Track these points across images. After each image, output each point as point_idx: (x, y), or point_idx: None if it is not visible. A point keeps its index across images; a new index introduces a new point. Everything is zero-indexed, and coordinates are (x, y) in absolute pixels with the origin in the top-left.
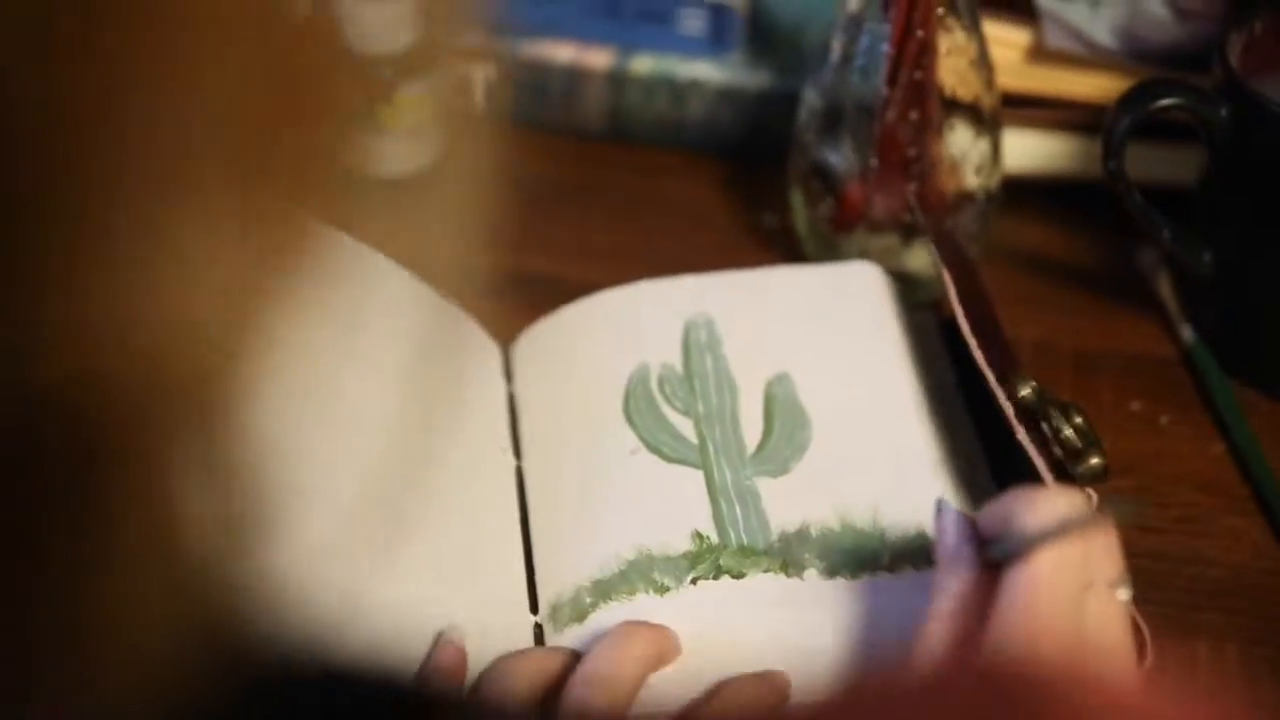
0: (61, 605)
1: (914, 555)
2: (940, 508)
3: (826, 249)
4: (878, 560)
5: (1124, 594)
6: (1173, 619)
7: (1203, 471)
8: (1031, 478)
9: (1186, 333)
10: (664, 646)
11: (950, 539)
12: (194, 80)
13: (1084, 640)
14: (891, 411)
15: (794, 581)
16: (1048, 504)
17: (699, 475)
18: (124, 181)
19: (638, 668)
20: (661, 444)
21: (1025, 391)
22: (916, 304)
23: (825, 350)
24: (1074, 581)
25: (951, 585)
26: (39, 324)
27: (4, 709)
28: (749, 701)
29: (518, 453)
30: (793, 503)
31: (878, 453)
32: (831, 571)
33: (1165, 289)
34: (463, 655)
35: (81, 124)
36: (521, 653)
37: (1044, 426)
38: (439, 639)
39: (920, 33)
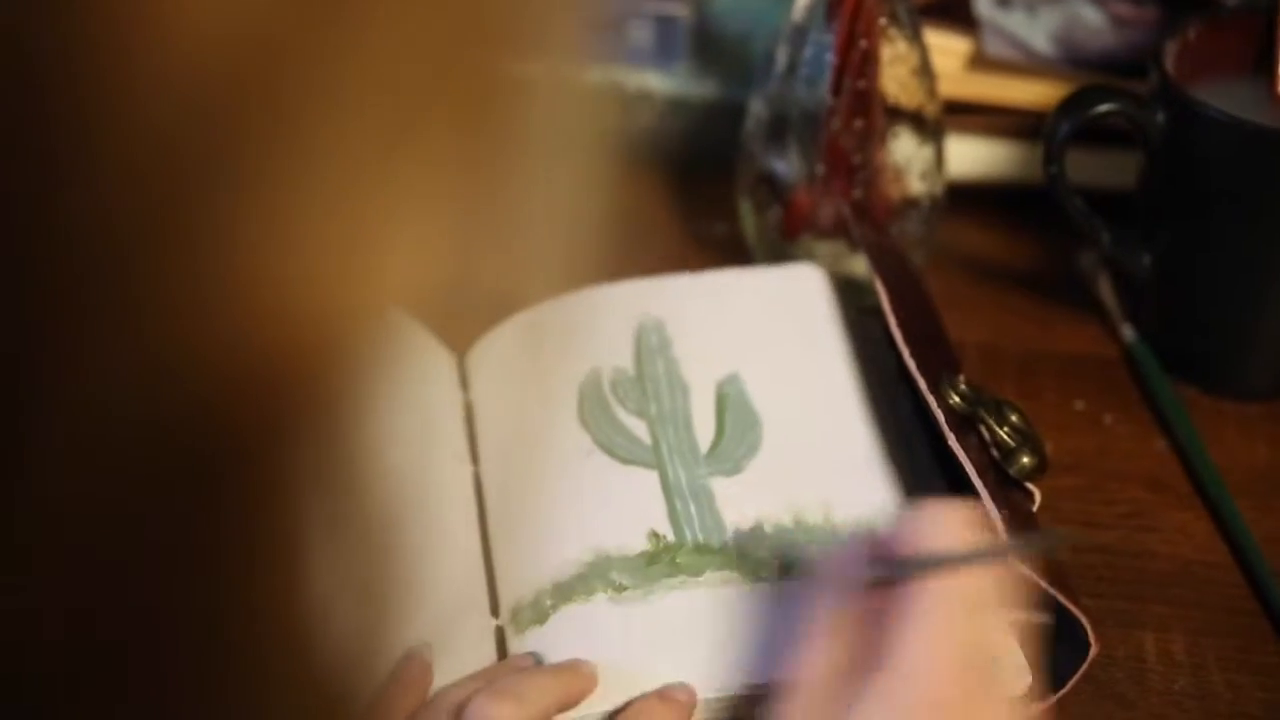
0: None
1: None
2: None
3: (775, 256)
4: None
5: (1026, 618)
6: (1120, 611)
7: (1146, 468)
8: (963, 479)
9: (1127, 333)
10: (578, 687)
11: (837, 562)
12: (384, 35)
13: (976, 668)
14: (838, 411)
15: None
16: (938, 525)
17: (654, 475)
18: (305, 146)
19: (546, 696)
20: (616, 445)
21: (955, 399)
22: (864, 308)
23: (772, 351)
24: (965, 606)
25: (836, 608)
26: (224, 281)
27: None
28: None
29: (475, 459)
30: (746, 501)
31: (827, 451)
32: (786, 568)
33: (1105, 291)
34: (427, 669)
35: (283, 87)
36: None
37: (981, 427)
38: (405, 654)
39: (863, 42)
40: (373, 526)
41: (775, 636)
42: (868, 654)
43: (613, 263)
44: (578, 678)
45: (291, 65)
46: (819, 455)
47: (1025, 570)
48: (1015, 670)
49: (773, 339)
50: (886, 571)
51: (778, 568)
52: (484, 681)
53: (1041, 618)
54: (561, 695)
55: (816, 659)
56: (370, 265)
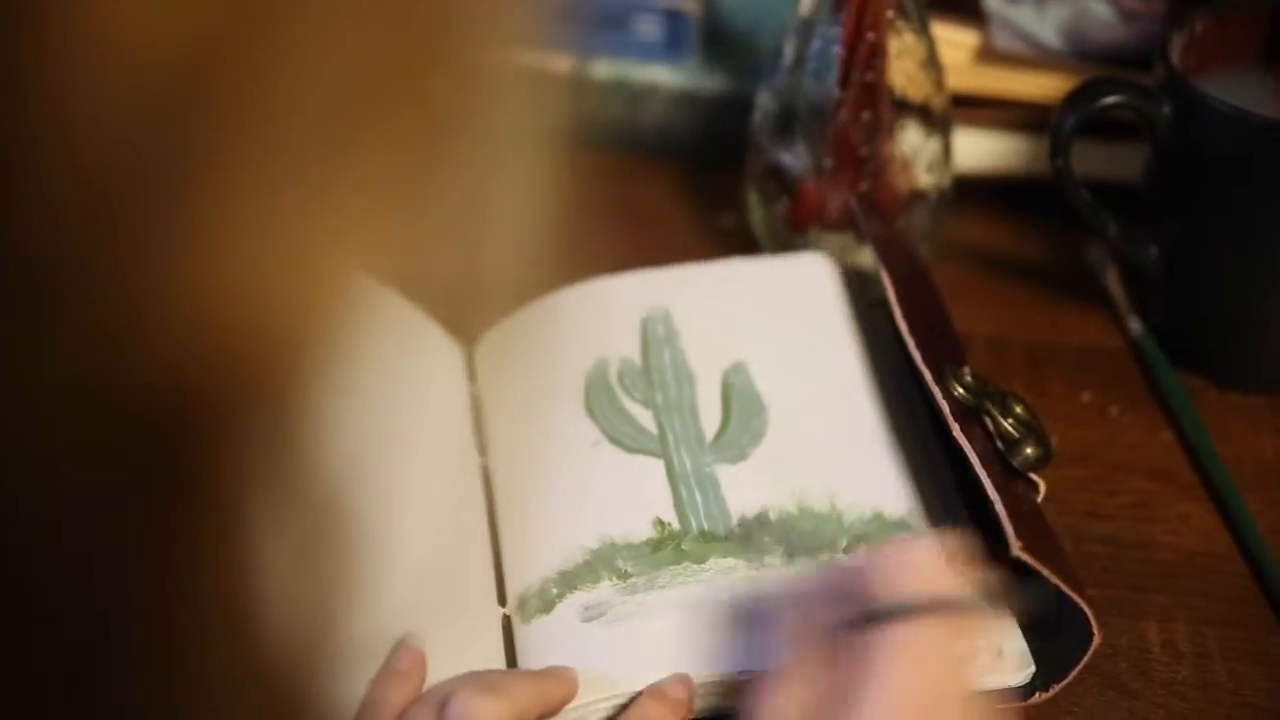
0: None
1: (870, 537)
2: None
3: (783, 248)
4: (835, 543)
5: (991, 654)
6: (1123, 601)
7: (1152, 459)
8: (969, 470)
9: (1134, 325)
10: (560, 692)
11: (805, 600)
12: (340, 37)
13: (941, 714)
14: (844, 400)
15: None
16: (911, 569)
17: (659, 464)
18: (277, 143)
19: (527, 695)
20: (622, 435)
21: (959, 390)
22: (872, 300)
23: (779, 340)
24: (934, 653)
25: (803, 647)
26: (165, 286)
27: None
28: None
29: (483, 451)
30: (751, 489)
31: (832, 440)
32: (790, 554)
33: (1113, 283)
34: (421, 660)
35: (240, 92)
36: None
37: (985, 418)
38: (399, 644)
39: (871, 35)
40: (326, 516)
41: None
42: (833, 696)
43: (622, 254)
44: (560, 683)
45: (231, 64)
46: (824, 444)
47: (1029, 561)
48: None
49: (779, 328)
50: (854, 614)
51: (783, 554)
52: (472, 677)
53: (1037, 613)
54: (543, 697)
55: (782, 701)
56: (316, 260)
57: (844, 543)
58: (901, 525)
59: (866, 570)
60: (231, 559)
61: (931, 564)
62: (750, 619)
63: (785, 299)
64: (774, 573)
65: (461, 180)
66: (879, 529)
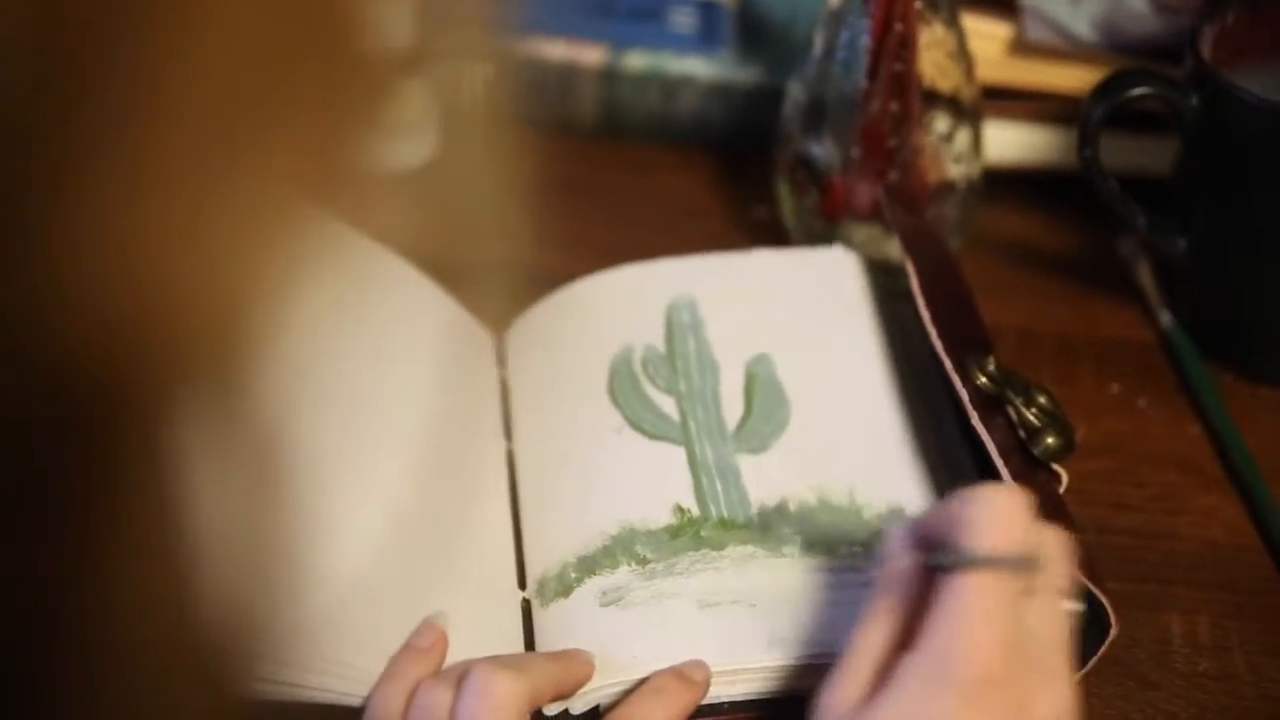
0: (64, 598)
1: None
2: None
3: (813, 239)
4: (854, 537)
5: (1070, 605)
6: (1146, 594)
7: (1179, 451)
8: (989, 461)
9: (1165, 318)
10: (576, 673)
11: (893, 542)
12: (213, 28)
13: (1025, 651)
14: (867, 393)
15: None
16: (996, 520)
17: (681, 451)
18: (127, 141)
19: (545, 675)
20: (644, 422)
21: (982, 379)
22: (897, 292)
23: (803, 332)
24: (1014, 593)
25: (889, 587)
26: (52, 279)
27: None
28: (665, 699)
29: (509, 435)
30: (772, 479)
31: (854, 433)
32: (809, 546)
33: (1145, 276)
34: (443, 638)
35: (87, 86)
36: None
37: (1008, 408)
38: (423, 621)
39: (900, 26)
40: (267, 491)
41: (798, 611)
42: (917, 633)
43: (654, 245)
44: (576, 664)
45: (115, 44)
46: (846, 436)
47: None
48: (1065, 657)
49: (804, 320)
50: (938, 559)
51: (801, 545)
52: (490, 658)
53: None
54: (560, 677)
55: (866, 635)
56: (226, 240)
57: (862, 535)
58: None
59: (953, 515)
60: (163, 530)
61: (1013, 517)
62: (770, 609)
63: (810, 292)
64: (791, 561)
65: (371, 156)
66: (898, 523)
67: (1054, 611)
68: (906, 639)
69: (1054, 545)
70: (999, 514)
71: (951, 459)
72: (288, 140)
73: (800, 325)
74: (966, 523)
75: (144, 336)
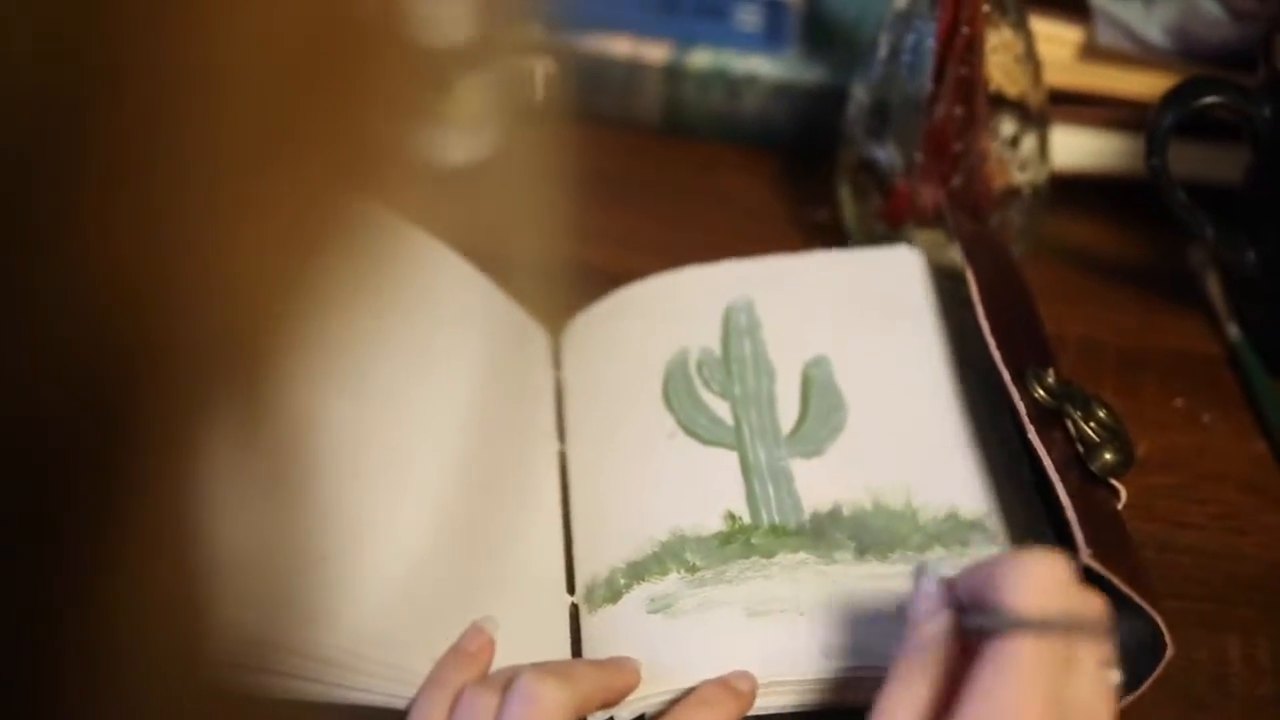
0: (75, 607)
1: (944, 536)
2: (919, 571)
3: (874, 244)
4: (908, 541)
5: (1113, 676)
6: (1206, 614)
7: (1243, 470)
8: (1044, 474)
9: (1233, 331)
10: (623, 682)
11: (930, 601)
12: (236, 41)
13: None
14: (926, 397)
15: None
16: (1038, 582)
17: (734, 457)
18: (164, 141)
19: (591, 683)
20: (698, 427)
21: (1040, 392)
22: (963, 298)
23: (863, 334)
24: (1056, 660)
25: (925, 649)
26: (88, 274)
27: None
28: (712, 709)
29: (562, 437)
30: (826, 483)
31: (912, 436)
32: (861, 552)
33: (1213, 287)
34: (490, 643)
35: (123, 85)
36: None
37: (1067, 422)
38: (472, 625)
39: (966, 29)
40: (290, 501)
41: (850, 619)
42: (950, 699)
43: (714, 245)
44: (623, 673)
45: (133, 51)
46: (903, 439)
47: (1099, 569)
48: None
49: (864, 322)
50: (977, 621)
51: (854, 550)
52: (535, 664)
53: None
54: (606, 686)
55: (900, 698)
56: (255, 245)
57: (917, 540)
58: (977, 526)
59: (992, 576)
60: (178, 538)
61: (1055, 581)
62: (820, 617)
63: (872, 293)
64: (843, 568)
65: (426, 152)
66: (954, 528)
67: (1097, 680)
68: (940, 703)
69: (1096, 612)
70: (1043, 577)
71: (1011, 468)
72: (327, 140)
73: (860, 326)
74: (1009, 584)
75: (175, 337)
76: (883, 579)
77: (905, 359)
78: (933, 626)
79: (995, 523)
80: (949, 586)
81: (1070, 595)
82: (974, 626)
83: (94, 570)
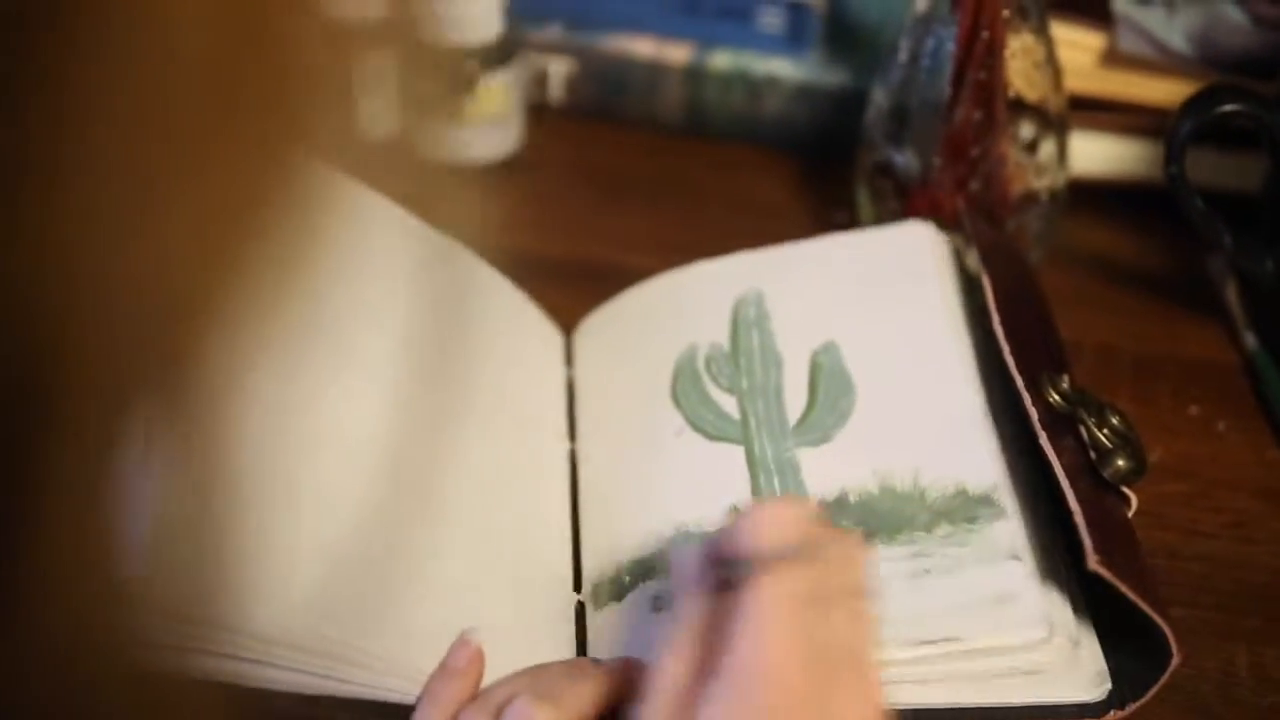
0: None
1: (952, 514)
2: (674, 544)
3: None
4: (915, 521)
5: (869, 608)
6: (1214, 622)
7: (1257, 478)
8: (1055, 480)
9: (1250, 340)
10: (621, 690)
11: (684, 567)
12: (167, 23)
13: (824, 659)
14: (938, 377)
15: None
16: (772, 521)
17: (740, 451)
18: (96, 123)
19: (584, 701)
20: (705, 423)
21: (1054, 397)
22: (981, 305)
23: (875, 314)
24: (802, 598)
25: (686, 613)
26: (10, 267)
27: None
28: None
29: (573, 436)
30: (833, 470)
31: (922, 412)
32: (868, 536)
33: (1231, 296)
34: (478, 656)
35: (53, 62)
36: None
37: (1080, 428)
38: (457, 640)
39: (986, 33)
40: (214, 483)
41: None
42: (716, 656)
43: (732, 247)
44: (623, 683)
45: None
46: (913, 418)
47: (1105, 575)
48: (870, 660)
49: (877, 301)
50: (724, 572)
51: (861, 535)
52: (530, 679)
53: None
54: (602, 699)
55: (668, 665)
56: (184, 234)
57: (924, 519)
58: (986, 501)
59: (735, 528)
60: (95, 516)
61: (788, 518)
62: None
63: (883, 271)
64: None
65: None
66: (962, 504)
67: (852, 614)
68: (709, 665)
69: (845, 547)
70: (776, 516)
71: (1021, 457)
72: (245, 139)
73: (872, 307)
74: (746, 529)
75: (99, 329)
76: (890, 561)
77: (917, 338)
78: (691, 592)
79: (1004, 497)
80: (707, 546)
81: (805, 530)
82: (725, 579)
83: (9, 554)
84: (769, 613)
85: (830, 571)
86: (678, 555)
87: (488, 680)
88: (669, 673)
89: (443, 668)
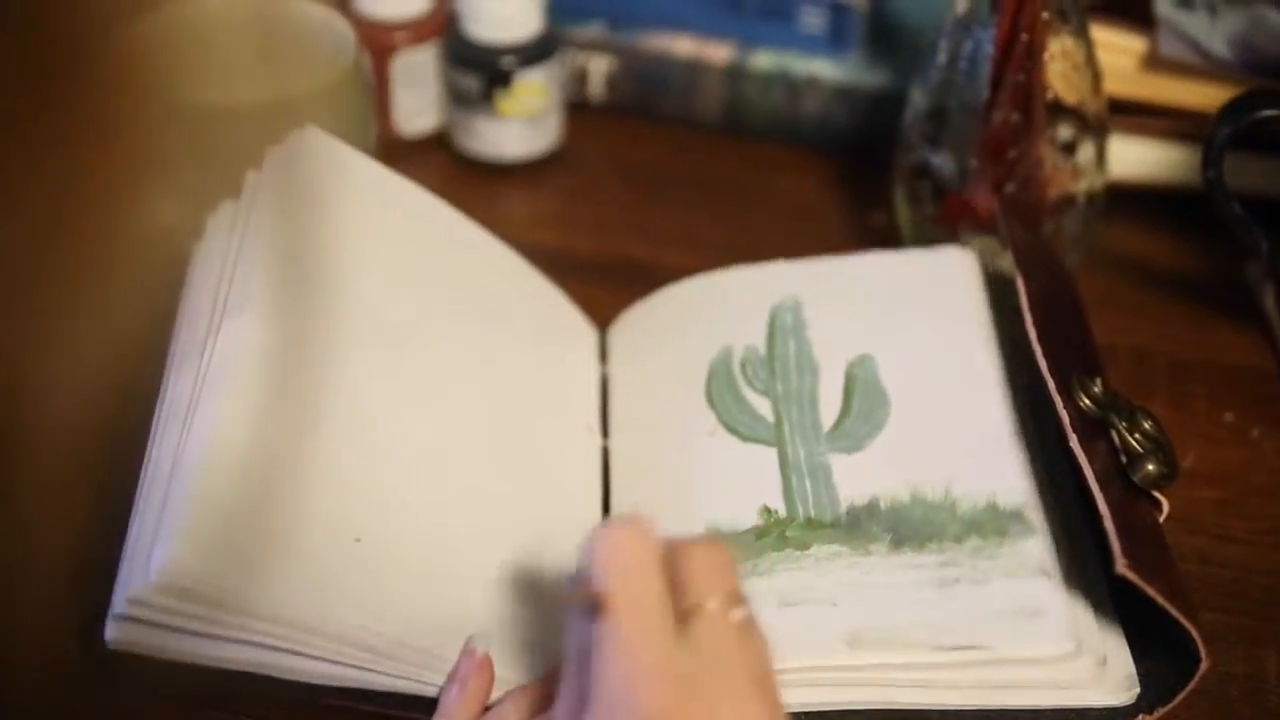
0: None
1: (983, 526)
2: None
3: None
4: (945, 531)
5: (739, 613)
6: (1244, 628)
7: None
8: (1085, 484)
9: None
10: None
11: (560, 597)
12: None
13: (695, 675)
14: (972, 395)
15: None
16: (611, 547)
17: (773, 453)
18: None
19: None
20: (739, 424)
21: (1085, 401)
22: (1015, 305)
23: (911, 334)
24: (658, 619)
25: (568, 643)
26: None
27: None
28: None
29: (606, 432)
30: (864, 477)
31: (955, 430)
32: (898, 543)
33: (1269, 302)
34: (485, 664)
35: None
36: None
37: (1112, 432)
38: (464, 648)
39: (1025, 36)
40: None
41: (880, 609)
42: (591, 686)
43: (769, 246)
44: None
45: None
46: (946, 434)
47: (1134, 580)
48: (745, 669)
49: (913, 322)
50: (583, 601)
51: (890, 542)
52: (542, 689)
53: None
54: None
55: (561, 695)
56: None
57: (954, 530)
58: (1016, 516)
59: (584, 558)
60: None
61: (625, 539)
62: (851, 607)
63: (923, 293)
64: (877, 559)
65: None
66: (993, 518)
67: (718, 626)
68: (587, 692)
69: (708, 555)
70: (613, 542)
71: (1053, 467)
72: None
73: (909, 327)
74: (591, 559)
75: None
76: (918, 569)
77: (953, 359)
78: (570, 623)
79: (1034, 514)
80: (576, 576)
81: (650, 548)
82: (587, 608)
83: None
84: (624, 640)
85: (693, 583)
86: (569, 587)
87: (523, 678)
88: (562, 702)
89: (451, 680)
